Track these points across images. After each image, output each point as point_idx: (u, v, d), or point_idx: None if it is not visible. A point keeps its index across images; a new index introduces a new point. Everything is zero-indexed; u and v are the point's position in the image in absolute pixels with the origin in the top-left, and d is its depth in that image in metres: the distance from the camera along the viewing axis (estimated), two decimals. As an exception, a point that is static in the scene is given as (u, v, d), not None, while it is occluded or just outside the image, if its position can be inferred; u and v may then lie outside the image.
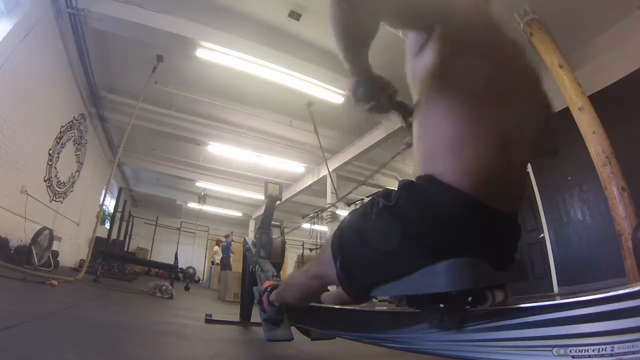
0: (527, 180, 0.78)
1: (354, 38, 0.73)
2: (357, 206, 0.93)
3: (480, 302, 0.70)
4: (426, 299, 0.77)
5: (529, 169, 4.98)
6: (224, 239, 10.33)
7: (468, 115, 0.71)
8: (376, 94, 0.78)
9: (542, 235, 4.68)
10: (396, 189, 0.79)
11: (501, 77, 0.74)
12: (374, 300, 1.18)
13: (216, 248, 10.98)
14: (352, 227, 0.88)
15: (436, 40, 0.75)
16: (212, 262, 10.54)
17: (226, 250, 9.62)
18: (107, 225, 9.33)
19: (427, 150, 0.76)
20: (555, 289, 4.33)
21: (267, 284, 1.59)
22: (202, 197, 10.58)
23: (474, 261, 0.67)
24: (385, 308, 1.05)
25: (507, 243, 0.79)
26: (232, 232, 10.94)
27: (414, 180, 0.78)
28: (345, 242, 0.87)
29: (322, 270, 0.97)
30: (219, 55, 4.55)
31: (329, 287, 1.47)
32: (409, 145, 0.83)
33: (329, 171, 6.78)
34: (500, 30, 0.83)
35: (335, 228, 0.93)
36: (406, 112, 0.89)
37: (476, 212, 0.69)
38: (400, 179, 0.85)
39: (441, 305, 0.75)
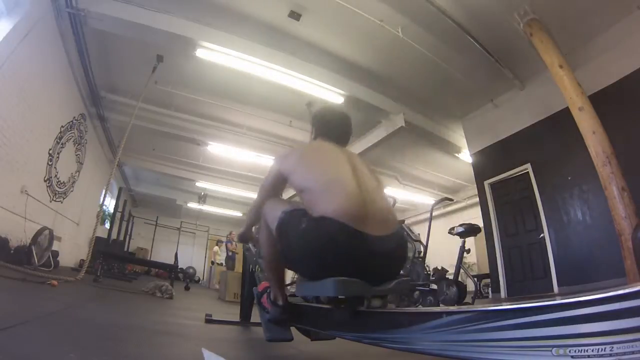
0: (384, 210, 1.13)
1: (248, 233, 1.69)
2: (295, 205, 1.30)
3: (360, 305, 1.06)
4: (335, 300, 1.15)
5: (529, 169, 4.99)
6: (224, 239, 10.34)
7: (309, 194, 1.19)
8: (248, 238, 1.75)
9: (542, 235, 4.68)
10: (305, 217, 1.14)
11: (331, 171, 1.23)
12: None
13: (216, 248, 10.97)
14: (287, 229, 1.18)
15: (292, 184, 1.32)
16: (212, 262, 10.55)
17: (226, 249, 9.63)
18: (107, 225, 9.33)
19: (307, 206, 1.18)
20: (555, 289, 4.33)
21: (264, 284, 1.59)
22: (202, 197, 10.57)
23: (348, 280, 1.00)
24: (384, 308, 1.05)
25: (383, 266, 1.11)
26: (231, 232, 10.91)
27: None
28: (282, 237, 1.19)
29: (270, 225, 1.27)
30: (219, 55, 4.56)
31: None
32: None
33: (329, 171, 6.78)
34: (332, 151, 1.35)
35: (281, 210, 1.22)
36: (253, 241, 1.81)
37: (345, 229, 1.04)
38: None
39: (342, 305, 1.15)
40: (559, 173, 4.53)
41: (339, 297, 1.01)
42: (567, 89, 3.59)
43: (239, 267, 8.01)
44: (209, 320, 2.43)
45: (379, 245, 1.08)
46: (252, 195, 9.92)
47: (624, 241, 2.98)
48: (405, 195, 9.09)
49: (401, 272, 1.23)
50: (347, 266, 1.03)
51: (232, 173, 9.03)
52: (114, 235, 9.17)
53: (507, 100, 5.50)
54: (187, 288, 6.47)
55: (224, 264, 9.81)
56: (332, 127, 1.51)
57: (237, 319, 2.57)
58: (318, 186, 1.18)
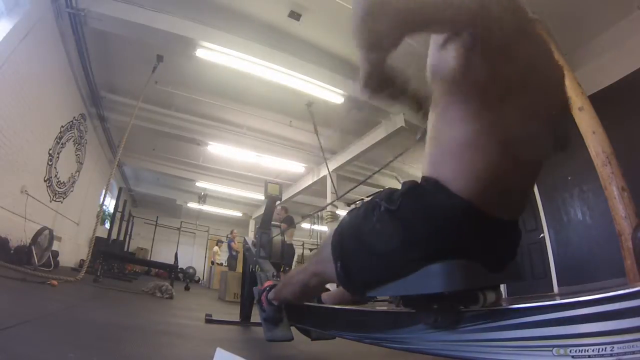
0: (532, 189, 0.77)
1: (378, 48, 0.68)
2: (357, 206, 0.96)
3: (472, 303, 0.72)
4: (421, 300, 0.78)
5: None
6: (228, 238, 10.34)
7: (485, 123, 0.68)
8: (390, 82, 0.75)
9: (542, 235, 4.68)
10: (399, 192, 0.80)
11: (526, 83, 0.70)
12: (375, 299, 1.18)
13: (216, 248, 10.98)
14: (353, 228, 0.89)
15: (465, 38, 0.66)
16: (212, 262, 10.56)
17: (229, 249, 9.61)
18: (107, 225, 9.33)
19: (438, 152, 0.76)
20: (555, 289, 4.33)
21: (266, 283, 1.59)
22: (202, 197, 10.57)
23: (466, 263, 0.69)
24: (385, 308, 1.05)
25: (505, 247, 0.80)
26: (232, 231, 10.90)
27: (420, 181, 0.78)
28: (346, 243, 0.89)
29: (321, 268, 0.99)
30: (219, 55, 4.56)
31: (329, 287, 1.47)
32: (424, 134, 0.82)
33: (329, 171, 6.78)
34: (530, 31, 0.75)
35: (335, 227, 0.95)
36: (419, 102, 0.91)
37: (478, 221, 0.70)
38: (401, 181, 0.84)
39: (435, 306, 0.76)
40: (559, 173, 4.53)
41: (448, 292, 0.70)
42: (567, 89, 3.59)
43: (240, 267, 8.01)
44: (209, 320, 2.43)
45: (503, 233, 0.77)
46: (252, 195, 9.92)
47: (624, 241, 2.97)
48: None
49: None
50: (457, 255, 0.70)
51: (232, 173, 9.03)
52: (114, 235, 9.17)
53: (507, 100, 5.49)
54: (187, 288, 6.48)
55: (224, 264, 9.82)
56: None
57: (237, 319, 2.57)
58: (492, 121, 0.68)
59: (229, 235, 10.03)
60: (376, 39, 0.66)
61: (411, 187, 0.78)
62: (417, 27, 0.66)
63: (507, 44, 0.67)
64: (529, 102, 0.70)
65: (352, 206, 9.38)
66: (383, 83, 0.73)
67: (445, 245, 0.71)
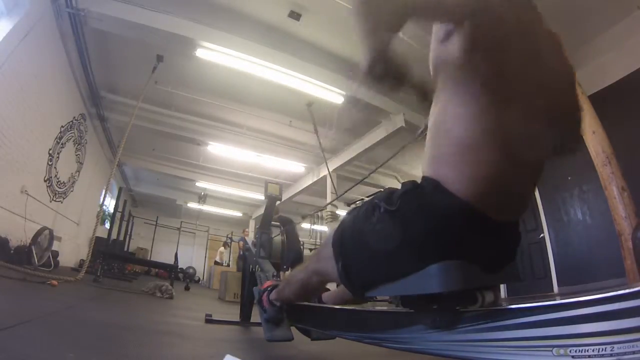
0: (534, 190, 0.74)
1: (379, 32, 0.68)
2: (358, 205, 0.94)
3: (470, 303, 0.71)
4: (421, 300, 0.78)
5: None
6: (229, 239, 10.37)
7: (487, 121, 0.66)
8: (393, 70, 0.71)
9: (542, 235, 4.68)
10: (398, 192, 0.79)
11: (530, 79, 0.68)
12: (375, 299, 1.19)
13: (221, 249, 11.08)
14: (353, 228, 0.89)
15: (466, 30, 0.65)
16: (216, 262, 10.62)
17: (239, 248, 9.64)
18: (107, 225, 9.33)
19: (438, 151, 0.75)
20: (555, 289, 4.33)
21: (267, 283, 1.59)
22: (202, 197, 10.58)
23: (463, 264, 0.69)
24: (385, 308, 1.05)
25: (504, 248, 0.79)
26: (244, 230, 10.94)
27: (419, 181, 0.77)
28: (347, 243, 0.89)
29: (323, 267, 0.99)
30: (219, 55, 4.55)
31: (329, 287, 1.48)
32: (425, 131, 0.80)
33: (329, 171, 6.78)
34: (538, 25, 0.74)
35: (336, 226, 0.95)
36: (424, 92, 0.86)
37: (478, 223, 0.69)
38: (401, 181, 0.85)
39: (434, 307, 0.76)
40: (559, 173, 4.53)
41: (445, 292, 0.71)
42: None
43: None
44: (209, 320, 2.43)
45: (502, 234, 0.75)
46: (252, 195, 9.92)
47: (624, 241, 2.97)
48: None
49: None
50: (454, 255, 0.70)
51: (232, 173, 9.03)
52: (114, 235, 9.16)
53: (507, 100, 5.50)
54: (187, 288, 6.48)
55: (224, 264, 9.83)
56: None
57: (237, 319, 2.57)
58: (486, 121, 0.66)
59: (241, 234, 10.13)
60: (376, 23, 0.65)
61: (410, 188, 0.77)
62: (417, 13, 0.66)
63: (509, 37, 0.64)
64: (534, 100, 0.68)
65: (353, 206, 9.38)
66: (386, 70, 0.70)
67: (443, 246, 0.70)
